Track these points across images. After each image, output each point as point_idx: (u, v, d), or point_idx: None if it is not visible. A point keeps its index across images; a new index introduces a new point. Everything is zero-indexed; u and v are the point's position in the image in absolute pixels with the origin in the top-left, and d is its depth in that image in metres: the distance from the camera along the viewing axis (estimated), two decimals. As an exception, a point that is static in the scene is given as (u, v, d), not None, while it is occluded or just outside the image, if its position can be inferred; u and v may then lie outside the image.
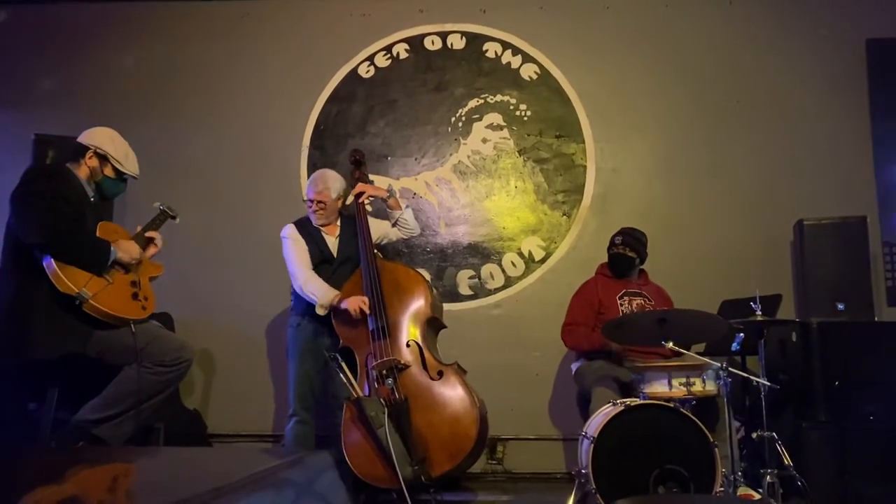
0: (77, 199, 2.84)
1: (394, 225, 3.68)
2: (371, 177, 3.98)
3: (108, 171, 2.98)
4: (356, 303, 3.31)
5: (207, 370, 4.44)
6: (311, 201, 3.59)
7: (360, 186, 3.64)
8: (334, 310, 3.38)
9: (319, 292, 3.40)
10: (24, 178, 2.81)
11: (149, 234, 3.05)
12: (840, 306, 3.84)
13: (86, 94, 4.72)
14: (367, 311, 3.29)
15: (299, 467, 0.88)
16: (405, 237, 3.81)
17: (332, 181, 3.62)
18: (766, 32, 4.58)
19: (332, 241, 3.62)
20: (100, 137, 2.98)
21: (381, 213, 3.88)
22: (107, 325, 2.73)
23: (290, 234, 3.59)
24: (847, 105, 4.46)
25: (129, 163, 3.02)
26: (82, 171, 2.95)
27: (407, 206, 3.75)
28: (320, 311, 3.38)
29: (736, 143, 4.49)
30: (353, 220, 3.62)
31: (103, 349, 2.75)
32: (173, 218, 3.19)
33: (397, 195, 3.74)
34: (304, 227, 3.62)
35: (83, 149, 2.96)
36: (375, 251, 3.54)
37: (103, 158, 2.96)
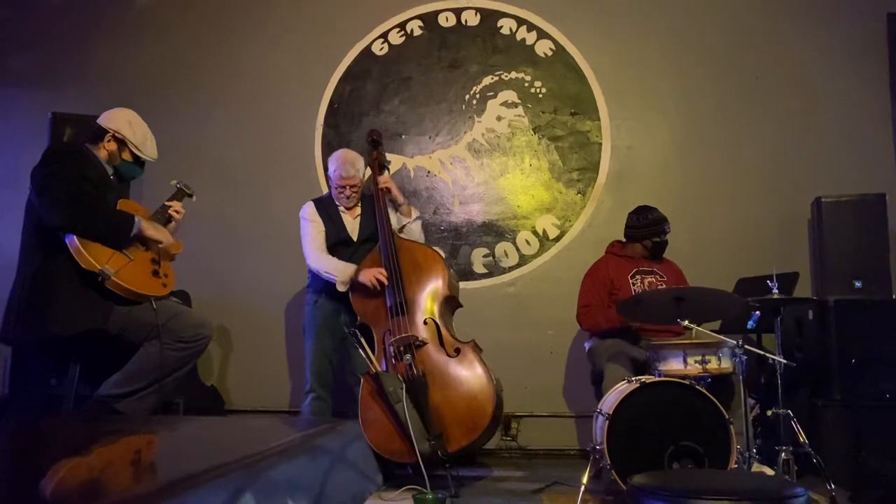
0: (97, 177, 2.87)
1: (400, 231, 3.63)
2: (387, 155, 3.97)
3: (126, 156, 3.00)
4: (371, 274, 3.32)
5: (225, 347, 4.49)
6: (344, 187, 3.58)
7: (385, 181, 3.62)
8: (353, 285, 3.40)
9: (336, 270, 3.42)
10: (45, 157, 2.83)
11: (168, 203, 3.08)
12: (857, 284, 3.81)
13: (101, 73, 4.73)
14: (385, 282, 3.31)
15: (332, 435, 0.90)
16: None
17: (360, 162, 3.64)
18: (785, 7, 4.50)
19: (352, 222, 3.63)
20: (119, 121, 2.99)
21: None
22: (127, 301, 2.77)
23: (307, 214, 3.60)
24: (867, 81, 4.39)
25: (147, 147, 3.04)
26: (101, 153, 2.97)
27: (417, 218, 3.69)
28: (341, 288, 3.40)
29: (754, 119, 4.44)
30: (373, 199, 3.62)
31: (124, 326, 2.78)
32: (190, 196, 3.22)
33: (408, 202, 3.72)
34: (324, 207, 3.63)
35: (102, 131, 2.97)
36: (394, 230, 3.54)
37: (122, 143, 2.98)
